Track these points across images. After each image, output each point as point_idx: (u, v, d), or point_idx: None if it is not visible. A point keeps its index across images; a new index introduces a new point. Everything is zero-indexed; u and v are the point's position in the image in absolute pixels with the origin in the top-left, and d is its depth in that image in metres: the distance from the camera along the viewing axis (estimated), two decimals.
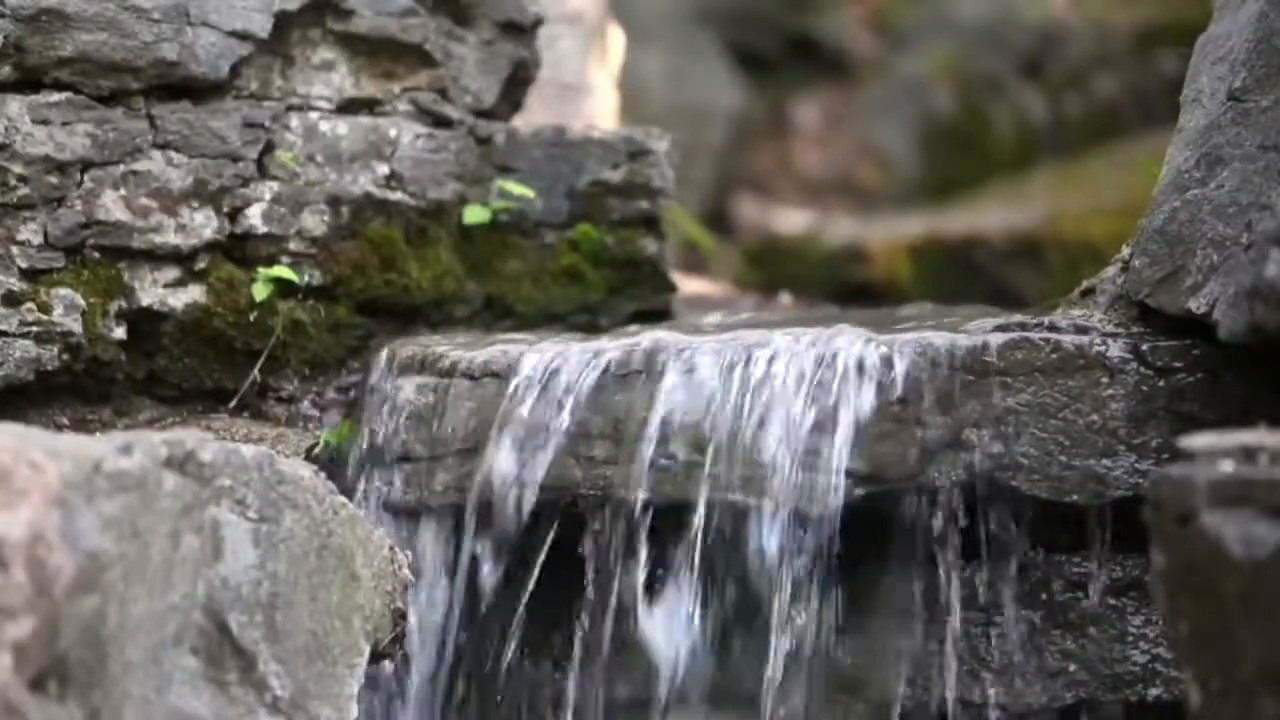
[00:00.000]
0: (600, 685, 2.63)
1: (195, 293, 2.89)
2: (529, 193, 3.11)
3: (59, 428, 2.80)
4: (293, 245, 2.95)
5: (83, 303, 2.78)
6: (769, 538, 2.55)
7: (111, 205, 2.81)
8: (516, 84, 3.20)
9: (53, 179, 2.78)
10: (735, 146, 6.63)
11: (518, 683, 2.69)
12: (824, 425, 2.56)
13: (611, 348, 2.68)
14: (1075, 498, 2.55)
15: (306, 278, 2.95)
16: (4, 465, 1.86)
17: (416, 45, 3.05)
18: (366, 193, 3.00)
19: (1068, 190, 5.82)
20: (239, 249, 2.92)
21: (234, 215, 2.90)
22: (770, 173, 6.99)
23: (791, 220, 6.55)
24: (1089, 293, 2.77)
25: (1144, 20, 6.73)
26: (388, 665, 2.50)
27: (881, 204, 6.76)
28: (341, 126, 3.00)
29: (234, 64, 2.89)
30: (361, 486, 2.76)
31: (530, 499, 2.63)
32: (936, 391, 2.56)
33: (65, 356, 2.77)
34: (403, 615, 2.35)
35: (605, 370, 2.65)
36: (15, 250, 2.77)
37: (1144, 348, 2.58)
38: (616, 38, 4.34)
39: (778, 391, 2.58)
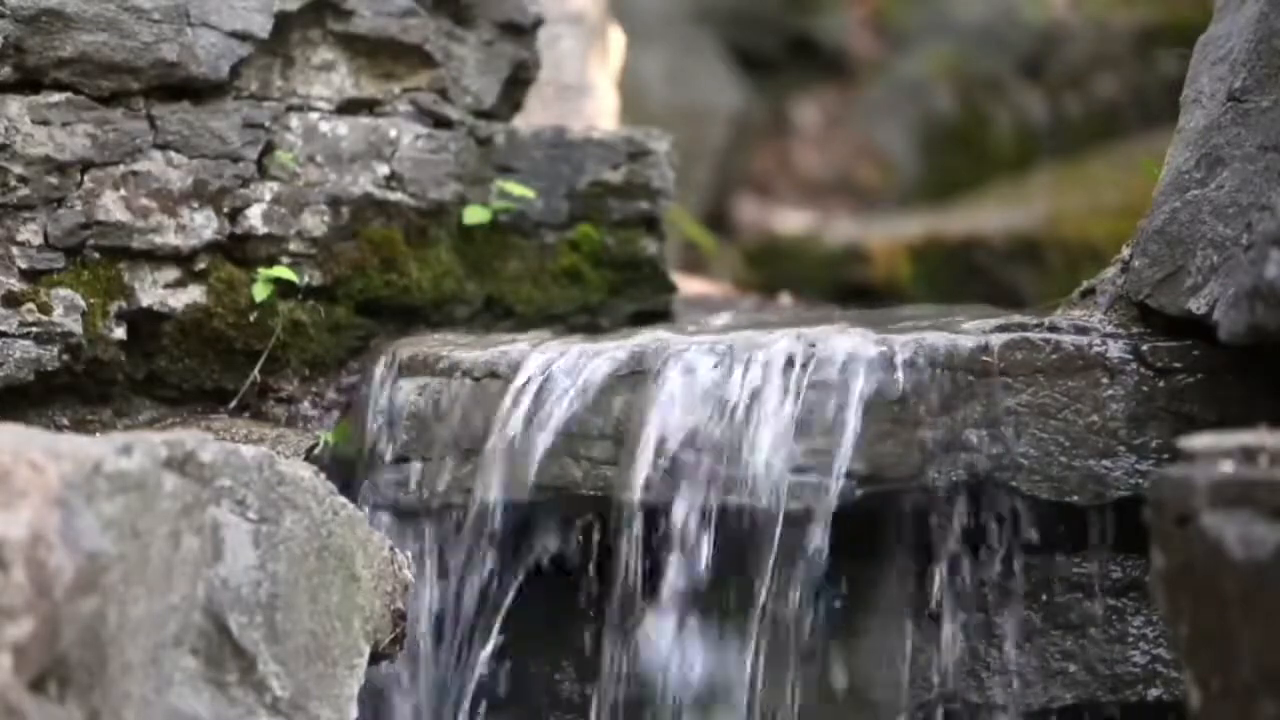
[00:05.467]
0: (600, 685, 2.63)
1: (195, 293, 2.89)
2: (529, 193, 3.11)
3: (59, 428, 2.80)
4: (293, 246, 2.95)
5: (83, 303, 2.78)
6: (769, 538, 2.55)
7: (111, 206, 2.81)
8: (517, 84, 3.20)
9: (53, 179, 2.78)
10: (735, 147, 6.62)
11: (517, 682, 2.69)
12: (824, 426, 2.56)
13: (611, 348, 2.68)
14: (1075, 498, 2.56)
15: (306, 278, 2.95)
16: (4, 465, 1.86)
17: (416, 46, 3.05)
18: (366, 193, 3.00)
19: (1068, 190, 5.82)
20: (239, 249, 2.92)
21: (234, 216, 2.90)
22: (770, 173, 6.99)
23: (791, 220, 6.55)
24: (1089, 293, 2.77)
25: (1144, 20, 6.73)
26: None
27: (881, 204, 6.76)
28: (341, 127, 3.00)
29: (234, 64, 2.89)
30: (361, 487, 2.76)
31: (530, 499, 2.63)
32: (937, 392, 2.57)
33: (65, 357, 2.77)
34: (402, 616, 2.35)
35: (605, 371, 2.65)
36: (15, 250, 2.77)
37: (1144, 348, 2.58)
38: (617, 38, 4.34)
39: (778, 392, 2.58)
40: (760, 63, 7.08)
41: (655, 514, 2.58)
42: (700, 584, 2.58)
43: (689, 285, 3.76)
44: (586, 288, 3.15)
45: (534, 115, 3.38)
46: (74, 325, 2.76)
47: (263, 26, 2.90)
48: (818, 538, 2.54)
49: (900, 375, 2.57)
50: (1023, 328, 2.63)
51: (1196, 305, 2.54)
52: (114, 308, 2.82)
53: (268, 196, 2.92)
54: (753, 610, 2.57)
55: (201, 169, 2.87)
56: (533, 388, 2.66)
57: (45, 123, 2.77)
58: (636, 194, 3.17)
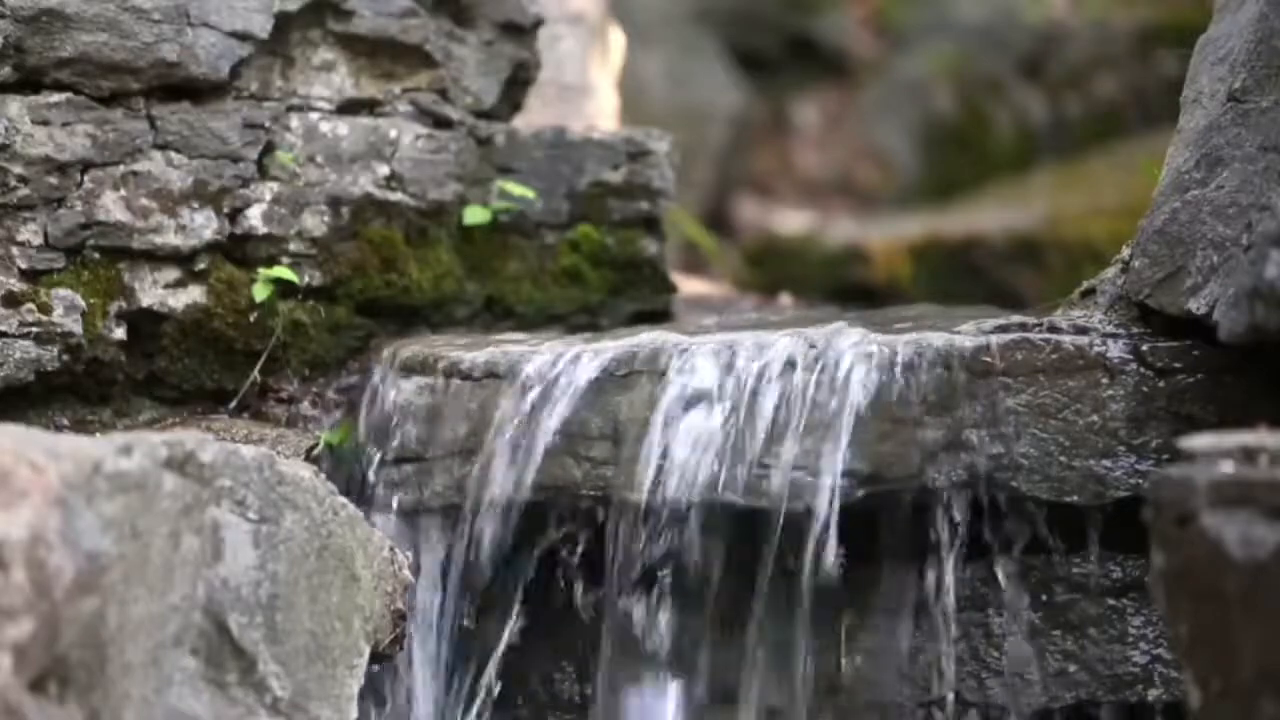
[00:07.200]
0: (600, 686, 2.63)
1: (195, 293, 2.89)
2: (529, 193, 3.11)
3: (59, 428, 2.80)
4: (293, 246, 2.95)
5: (83, 303, 2.78)
6: (769, 538, 2.55)
7: (111, 206, 2.81)
8: (517, 85, 3.20)
9: (53, 179, 2.78)
10: (735, 147, 6.62)
11: (518, 684, 2.69)
12: (824, 426, 2.56)
13: (611, 348, 2.68)
14: (1075, 498, 2.56)
15: (306, 278, 2.95)
16: (4, 466, 1.86)
17: (417, 46, 3.05)
18: (367, 193, 3.00)
19: (1068, 190, 5.82)
20: (239, 250, 2.92)
21: (234, 216, 2.90)
22: (770, 173, 6.99)
23: (791, 220, 6.55)
24: (1089, 293, 2.77)
25: (1144, 20, 6.73)
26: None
27: (881, 204, 6.76)
28: (342, 127, 3.00)
29: (234, 64, 2.89)
30: (361, 487, 2.76)
31: (530, 499, 2.63)
32: (937, 392, 2.57)
33: (65, 357, 2.77)
34: (402, 616, 2.35)
35: (605, 371, 2.65)
36: (15, 251, 2.77)
37: (1144, 348, 2.58)
38: (617, 38, 4.34)
39: (778, 392, 2.58)
40: (760, 63, 7.09)
41: (656, 514, 2.58)
42: (701, 583, 2.58)
43: (689, 285, 3.76)
44: (586, 288, 3.15)
45: (534, 115, 3.38)
46: (74, 325, 2.76)
47: (263, 26, 2.90)
48: (818, 537, 2.54)
49: (900, 375, 2.57)
50: (1023, 328, 2.63)
51: (1196, 305, 2.54)
52: (114, 308, 2.82)
53: (268, 196, 2.93)
54: (754, 609, 2.57)
55: (201, 169, 2.87)
56: (533, 388, 2.66)
57: (45, 123, 2.77)
58: (636, 194, 3.17)
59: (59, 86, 2.79)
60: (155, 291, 2.87)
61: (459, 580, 2.68)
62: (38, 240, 2.78)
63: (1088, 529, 2.57)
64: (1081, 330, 2.62)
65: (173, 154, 2.86)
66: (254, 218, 2.92)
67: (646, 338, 2.70)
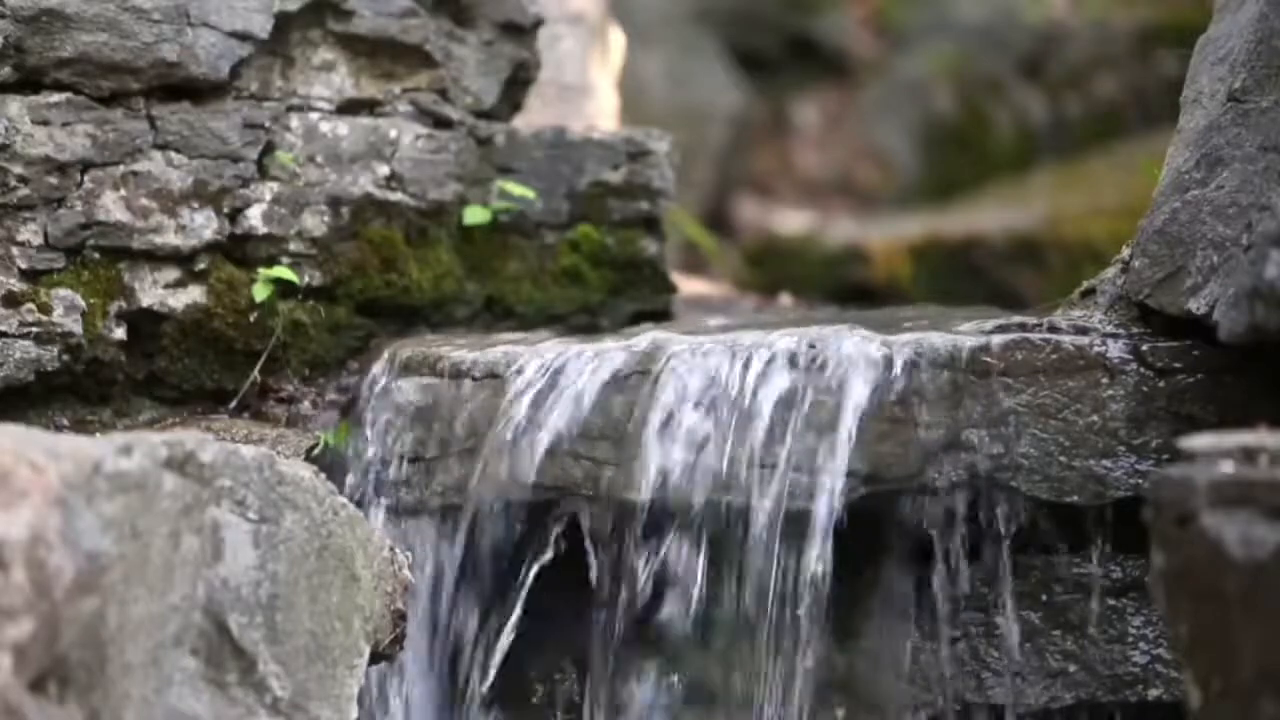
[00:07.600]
0: (603, 687, 2.63)
1: (195, 293, 2.89)
2: (529, 193, 3.11)
3: (59, 428, 2.80)
4: (293, 246, 2.95)
5: (83, 303, 2.78)
6: (769, 538, 2.55)
7: (111, 206, 2.81)
8: (517, 85, 3.20)
9: (53, 179, 2.78)
10: (735, 147, 6.62)
11: (518, 684, 2.69)
12: (824, 426, 2.56)
13: (612, 349, 2.68)
14: (1075, 498, 2.56)
15: (307, 278, 2.95)
16: (4, 466, 1.86)
17: (417, 46, 3.05)
18: (367, 193, 3.00)
19: (1068, 190, 5.82)
20: (239, 250, 2.92)
21: (234, 216, 2.90)
22: (770, 173, 6.99)
23: (791, 221, 6.55)
24: (1089, 293, 2.77)
25: (1144, 20, 6.73)
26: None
27: (881, 204, 6.76)
28: (342, 127, 3.00)
29: (234, 64, 2.89)
30: (361, 487, 2.76)
31: (530, 499, 2.63)
32: (937, 392, 2.57)
33: (65, 357, 2.77)
34: (403, 616, 2.35)
35: (606, 371, 2.65)
36: (15, 251, 2.77)
37: (1144, 348, 2.58)
38: (617, 38, 4.34)
39: (778, 392, 2.58)
40: (760, 63, 7.09)
41: (656, 513, 2.58)
42: (701, 583, 2.58)
43: (689, 285, 3.76)
44: (586, 288, 3.15)
45: (534, 115, 3.38)
46: (74, 325, 2.76)
47: (263, 27, 2.90)
48: (818, 537, 2.54)
49: (900, 375, 2.57)
50: (1023, 328, 2.63)
51: (1196, 305, 2.54)
52: (114, 308, 2.82)
53: (268, 196, 2.93)
54: (754, 609, 2.57)
55: (201, 169, 2.87)
56: (533, 388, 2.66)
57: (45, 123, 2.77)
58: (636, 194, 3.17)
59: (59, 86, 2.79)
60: (155, 291, 2.87)
61: (459, 580, 2.68)
62: (38, 240, 2.78)
63: (1088, 529, 2.57)
64: (1081, 330, 2.62)
65: (173, 154, 2.86)
66: (254, 218, 2.92)
67: (646, 338, 2.70)
